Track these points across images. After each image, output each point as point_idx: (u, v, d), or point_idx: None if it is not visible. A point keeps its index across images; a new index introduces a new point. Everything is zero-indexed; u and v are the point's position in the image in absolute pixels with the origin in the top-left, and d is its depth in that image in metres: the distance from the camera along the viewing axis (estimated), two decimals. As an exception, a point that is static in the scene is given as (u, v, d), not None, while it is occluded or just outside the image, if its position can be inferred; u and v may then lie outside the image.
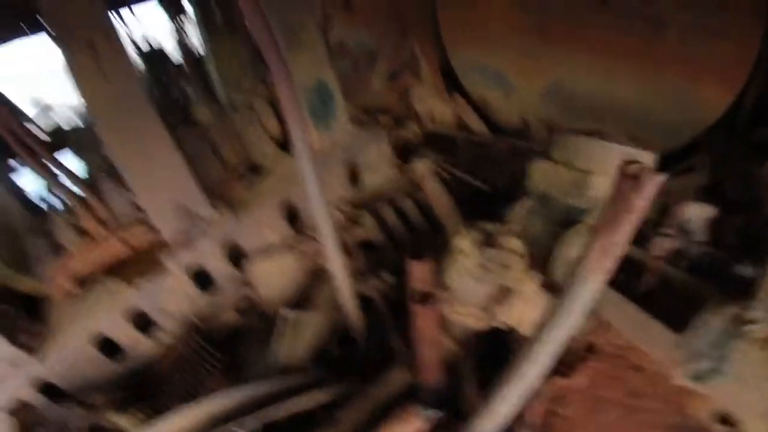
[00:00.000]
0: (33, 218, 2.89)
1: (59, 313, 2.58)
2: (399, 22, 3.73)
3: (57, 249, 2.71)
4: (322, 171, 2.83)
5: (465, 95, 3.95)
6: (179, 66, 3.96)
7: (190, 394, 2.51)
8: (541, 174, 2.16)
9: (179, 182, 2.48)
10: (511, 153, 3.60)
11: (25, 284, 2.70)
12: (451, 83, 3.95)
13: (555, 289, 1.86)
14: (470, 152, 3.64)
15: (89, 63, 1.93)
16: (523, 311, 1.90)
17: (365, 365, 2.38)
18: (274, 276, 2.77)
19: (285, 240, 2.87)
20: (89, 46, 1.90)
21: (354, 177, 3.17)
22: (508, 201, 2.49)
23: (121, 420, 2.29)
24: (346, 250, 2.80)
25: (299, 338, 2.40)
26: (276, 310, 2.76)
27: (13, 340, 2.32)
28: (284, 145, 3.23)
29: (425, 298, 1.71)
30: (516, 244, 1.88)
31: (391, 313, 2.50)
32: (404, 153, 3.52)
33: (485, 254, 1.85)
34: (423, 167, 3.17)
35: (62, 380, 2.43)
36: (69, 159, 3.44)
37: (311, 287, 2.79)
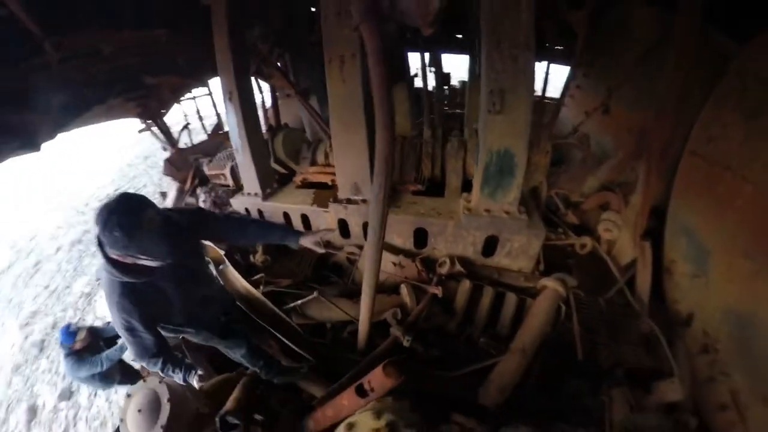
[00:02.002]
0: (316, 136, 4.70)
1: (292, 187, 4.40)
2: (641, 144, 3.18)
3: (312, 160, 4.39)
4: (464, 226, 3.16)
5: (657, 252, 3.05)
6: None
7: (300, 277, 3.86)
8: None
9: (361, 168, 3.40)
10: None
11: (292, 165, 4.61)
12: (653, 231, 3.10)
13: None
14: (608, 313, 3.07)
15: (336, 70, 3.03)
16: None
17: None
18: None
19: (404, 251, 3.50)
20: (339, 59, 2.98)
21: (489, 249, 3.24)
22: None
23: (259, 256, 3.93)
24: (422, 284, 3.17)
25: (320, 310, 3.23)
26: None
27: (264, 189, 4.21)
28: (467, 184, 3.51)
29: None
30: None
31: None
32: (550, 259, 3.29)
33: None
34: (555, 286, 2.82)
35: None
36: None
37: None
